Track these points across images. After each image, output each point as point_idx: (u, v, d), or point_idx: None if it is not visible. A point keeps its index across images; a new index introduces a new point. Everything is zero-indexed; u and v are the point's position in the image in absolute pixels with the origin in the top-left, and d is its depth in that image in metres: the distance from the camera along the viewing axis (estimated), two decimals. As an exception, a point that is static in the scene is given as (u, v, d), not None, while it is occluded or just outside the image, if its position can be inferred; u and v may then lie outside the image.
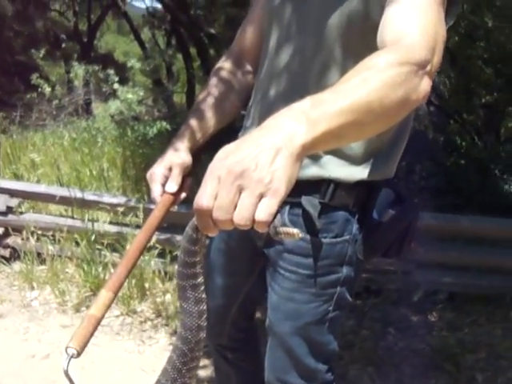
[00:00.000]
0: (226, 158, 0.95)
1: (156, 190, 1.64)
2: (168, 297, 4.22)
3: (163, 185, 1.65)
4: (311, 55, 1.61)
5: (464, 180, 7.00)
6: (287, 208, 1.64)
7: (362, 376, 3.56)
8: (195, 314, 1.28)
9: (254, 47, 1.88)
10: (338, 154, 1.59)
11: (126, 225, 4.57)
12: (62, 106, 12.64)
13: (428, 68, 1.22)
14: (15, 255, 4.87)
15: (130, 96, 10.73)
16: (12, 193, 4.83)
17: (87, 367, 3.47)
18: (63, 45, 22.57)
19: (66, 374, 1.09)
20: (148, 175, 1.68)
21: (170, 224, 4.29)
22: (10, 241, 4.84)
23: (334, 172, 1.59)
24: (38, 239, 4.70)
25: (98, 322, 1.19)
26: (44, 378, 3.42)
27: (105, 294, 1.23)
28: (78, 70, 13.01)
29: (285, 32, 1.68)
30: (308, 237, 1.64)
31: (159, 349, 3.82)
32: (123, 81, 14.06)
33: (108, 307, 1.22)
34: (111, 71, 11.86)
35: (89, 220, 4.62)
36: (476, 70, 8.74)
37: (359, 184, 1.61)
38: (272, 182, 0.93)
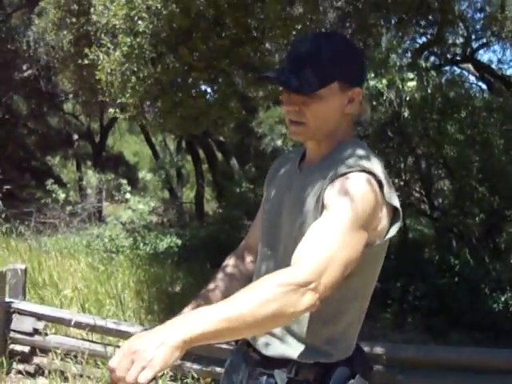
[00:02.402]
0: (134, 340, 1.50)
1: None
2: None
3: None
4: (279, 264, 2.02)
5: (455, 300, 7.48)
6: (265, 377, 2.06)
7: None
8: None
9: (256, 245, 2.34)
10: (301, 339, 2.03)
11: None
12: (75, 213, 13.15)
13: (312, 286, 1.70)
14: (40, 371, 5.26)
15: (141, 207, 11.34)
16: (39, 316, 5.31)
17: None
18: (76, 144, 23.19)
19: None
20: None
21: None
22: (36, 360, 5.28)
23: (299, 355, 2.02)
24: (61, 359, 5.08)
25: None
26: None
27: None
28: (91, 178, 13.62)
29: (265, 242, 2.19)
30: None
31: None
32: (134, 184, 14.58)
33: None
34: (124, 181, 12.36)
35: (108, 344, 5.07)
36: (471, 191, 9.19)
37: (319, 363, 2.03)
38: (152, 360, 1.46)
